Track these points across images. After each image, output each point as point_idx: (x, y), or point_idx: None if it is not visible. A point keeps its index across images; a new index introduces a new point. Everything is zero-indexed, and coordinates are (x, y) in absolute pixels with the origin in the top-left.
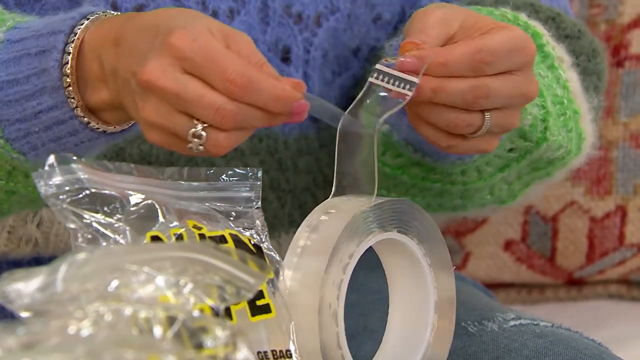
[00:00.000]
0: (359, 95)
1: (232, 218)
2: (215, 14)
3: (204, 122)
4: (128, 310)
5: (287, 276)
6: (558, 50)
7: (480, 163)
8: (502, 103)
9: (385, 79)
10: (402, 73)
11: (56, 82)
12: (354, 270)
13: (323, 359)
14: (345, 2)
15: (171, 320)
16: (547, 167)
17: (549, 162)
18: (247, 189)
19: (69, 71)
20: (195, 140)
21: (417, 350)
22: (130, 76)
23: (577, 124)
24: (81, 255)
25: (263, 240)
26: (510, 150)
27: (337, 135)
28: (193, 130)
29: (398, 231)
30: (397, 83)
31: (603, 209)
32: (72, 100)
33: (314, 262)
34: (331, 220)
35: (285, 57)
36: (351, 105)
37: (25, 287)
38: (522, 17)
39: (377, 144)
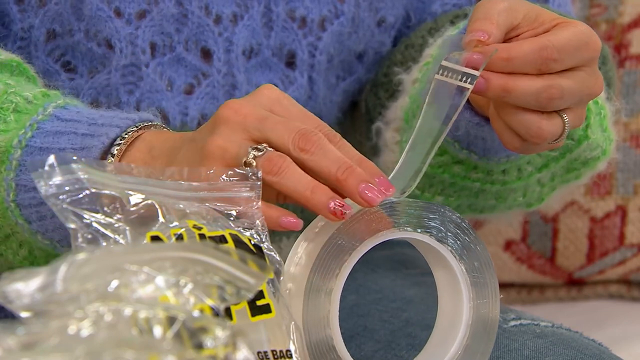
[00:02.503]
0: (428, 97)
1: (232, 218)
2: (218, 19)
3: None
4: (128, 311)
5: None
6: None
7: (522, 162)
8: (574, 101)
9: (449, 74)
10: (465, 68)
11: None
12: (353, 271)
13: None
14: (349, 5)
15: (171, 321)
16: (581, 169)
17: (584, 163)
18: (247, 189)
19: (116, 152)
20: (254, 152)
21: (455, 335)
22: (200, 129)
23: (608, 125)
24: (81, 255)
25: (263, 240)
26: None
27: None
28: (257, 145)
29: (430, 236)
30: (460, 78)
31: (603, 209)
32: None
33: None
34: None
35: (290, 62)
36: (424, 106)
37: (25, 287)
38: None
39: (439, 142)
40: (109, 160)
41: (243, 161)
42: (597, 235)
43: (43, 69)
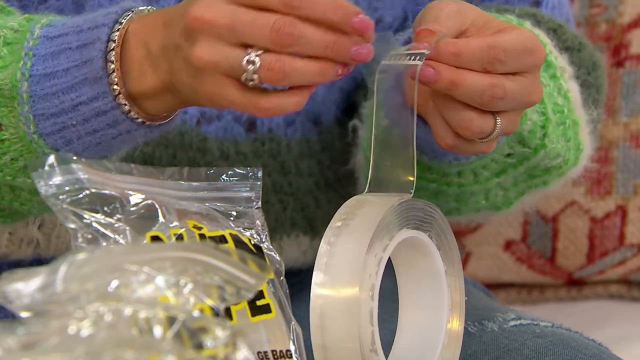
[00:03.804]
0: (376, 85)
1: (232, 218)
2: None
3: (258, 50)
4: (128, 311)
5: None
6: (560, 60)
7: (477, 166)
8: (513, 105)
9: (398, 59)
10: (413, 50)
11: (99, 72)
12: None
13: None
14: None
15: (171, 321)
16: (544, 176)
17: (546, 170)
18: (247, 189)
19: (113, 58)
20: (250, 67)
21: (431, 353)
22: (180, 32)
23: (576, 135)
24: (81, 256)
25: (263, 240)
26: (508, 155)
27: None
28: (247, 57)
29: (420, 230)
30: (408, 58)
31: (603, 209)
32: (115, 87)
33: (346, 260)
34: (361, 217)
35: None
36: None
37: (25, 287)
38: (527, 25)
39: (414, 136)
40: (110, 68)
41: (243, 78)
42: (597, 235)
43: None
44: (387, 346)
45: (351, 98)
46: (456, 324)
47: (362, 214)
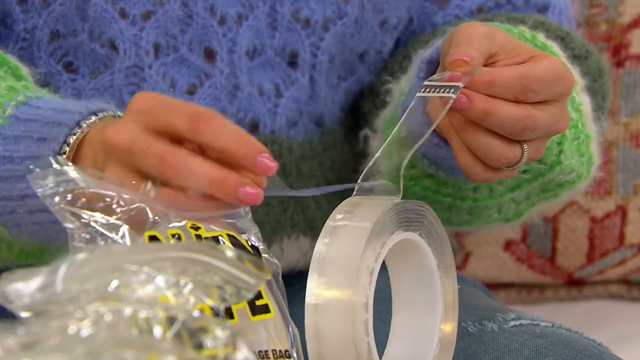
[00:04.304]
0: (407, 111)
1: (229, 220)
2: (223, 20)
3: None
4: (128, 311)
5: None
6: (573, 73)
7: (493, 182)
8: (541, 135)
9: (432, 90)
10: (448, 82)
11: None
12: None
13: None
14: (353, 7)
15: (171, 321)
16: (557, 189)
17: (559, 185)
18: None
19: (63, 158)
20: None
21: (425, 354)
22: (100, 150)
23: (588, 148)
24: (81, 256)
25: (259, 243)
26: (524, 171)
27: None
28: (143, 187)
29: (413, 232)
30: (443, 91)
31: (603, 209)
32: None
33: (342, 261)
34: (353, 223)
35: (292, 62)
36: (403, 116)
37: (25, 287)
38: (540, 37)
39: (414, 149)
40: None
41: (147, 188)
42: (597, 235)
43: (45, 70)
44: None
45: (355, 99)
46: (450, 326)
47: (351, 224)
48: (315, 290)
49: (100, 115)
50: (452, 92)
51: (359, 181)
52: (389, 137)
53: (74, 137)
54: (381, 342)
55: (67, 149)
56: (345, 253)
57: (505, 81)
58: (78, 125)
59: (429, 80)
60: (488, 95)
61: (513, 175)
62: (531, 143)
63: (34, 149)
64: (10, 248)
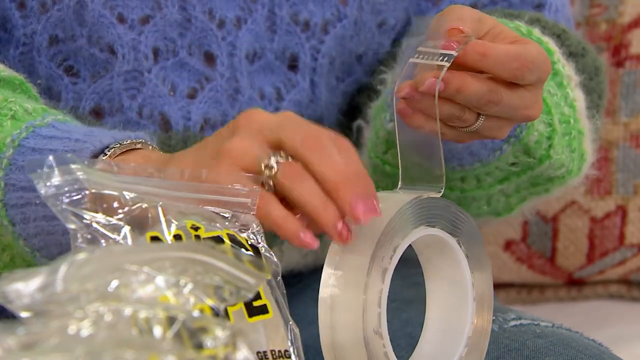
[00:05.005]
0: (401, 76)
1: (227, 223)
2: (222, 23)
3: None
4: (128, 311)
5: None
6: (567, 69)
7: (480, 172)
8: (505, 114)
9: (426, 57)
10: (442, 50)
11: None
12: None
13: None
14: (352, 9)
15: (171, 321)
16: (546, 184)
17: (549, 180)
18: (245, 194)
19: (109, 153)
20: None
21: (455, 348)
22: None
23: (581, 145)
24: (81, 256)
25: (259, 241)
26: (513, 164)
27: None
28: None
29: (439, 228)
30: (436, 59)
31: (603, 209)
32: None
33: (357, 257)
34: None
35: (292, 65)
36: (396, 84)
37: (25, 287)
38: (536, 32)
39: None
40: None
41: (264, 164)
42: (597, 235)
43: (46, 74)
44: (405, 336)
45: (354, 100)
46: (481, 321)
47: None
48: (330, 283)
49: (142, 141)
50: (446, 61)
51: (400, 182)
52: (396, 127)
53: (116, 147)
54: (397, 339)
55: (109, 153)
56: (359, 247)
57: (498, 55)
58: (119, 141)
59: (423, 46)
60: (478, 69)
61: (463, 139)
62: (490, 118)
63: (69, 145)
64: (1, 254)
